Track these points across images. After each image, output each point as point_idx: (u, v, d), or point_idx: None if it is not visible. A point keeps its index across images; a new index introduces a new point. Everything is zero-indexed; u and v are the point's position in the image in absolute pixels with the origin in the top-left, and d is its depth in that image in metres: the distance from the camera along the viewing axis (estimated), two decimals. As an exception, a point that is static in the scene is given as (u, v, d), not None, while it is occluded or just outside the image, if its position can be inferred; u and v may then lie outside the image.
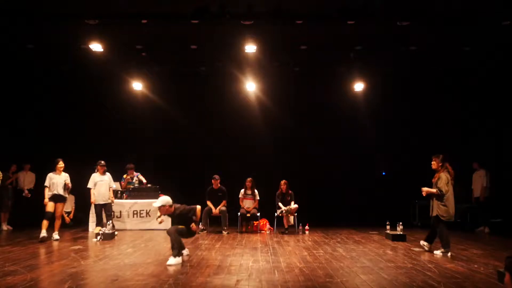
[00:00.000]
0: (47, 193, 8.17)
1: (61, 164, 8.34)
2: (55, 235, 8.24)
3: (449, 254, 6.62)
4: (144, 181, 10.37)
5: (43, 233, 8.00)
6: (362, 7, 7.63)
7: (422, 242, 7.15)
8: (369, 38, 9.03)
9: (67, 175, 8.45)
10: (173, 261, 5.91)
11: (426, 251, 6.99)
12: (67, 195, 8.47)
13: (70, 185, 8.43)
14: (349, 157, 12.11)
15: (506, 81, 10.42)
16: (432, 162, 6.95)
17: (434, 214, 6.79)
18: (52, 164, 8.39)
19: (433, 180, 6.89)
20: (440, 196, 6.68)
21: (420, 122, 11.84)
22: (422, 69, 10.80)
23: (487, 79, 10.76)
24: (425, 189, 6.87)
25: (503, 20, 7.85)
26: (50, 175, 8.28)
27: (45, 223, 8.09)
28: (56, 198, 8.23)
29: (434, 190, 6.75)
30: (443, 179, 6.69)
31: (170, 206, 6.28)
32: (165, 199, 6.27)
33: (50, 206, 8.16)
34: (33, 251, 6.93)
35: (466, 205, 10.47)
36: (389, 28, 8.29)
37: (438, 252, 6.73)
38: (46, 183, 8.22)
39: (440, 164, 6.85)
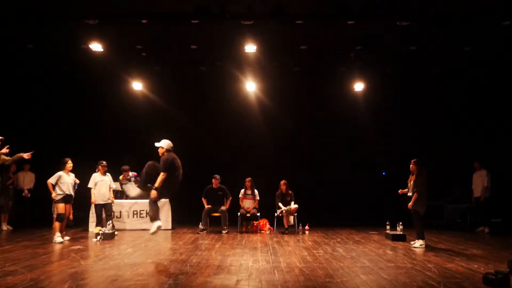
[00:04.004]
0: (59, 192, 8.00)
1: (70, 164, 8.23)
2: (59, 238, 8.21)
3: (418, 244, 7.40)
4: (138, 178, 10.41)
5: (59, 236, 7.91)
6: (362, 7, 7.63)
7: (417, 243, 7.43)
8: (369, 38, 9.03)
9: (73, 174, 8.36)
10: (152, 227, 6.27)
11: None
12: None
13: (77, 181, 8.41)
14: (349, 157, 12.12)
15: (506, 81, 10.42)
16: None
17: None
18: (58, 164, 8.25)
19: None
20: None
21: (420, 122, 11.84)
22: (422, 69, 10.80)
23: (487, 79, 10.76)
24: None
25: (503, 20, 7.85)
26: (62, 174, 8.10)
27: (58, 225, 7.97)
28: (68, 199, 8.13)
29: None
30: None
31: (168, 151, 6.51)
32: (166, 142, 6.57)
33: (62, 208, 8.01)
34: (33, 251, 6.92)
35: (466, 205, 10.47)
36: (389, 28, 8.29)
37: (414, 244, 7.44)
38: (53, 181, 8.00)
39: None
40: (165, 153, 6.50)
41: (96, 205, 8.98)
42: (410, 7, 7.64)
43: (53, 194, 8.02)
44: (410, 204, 7.48)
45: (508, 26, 7.94)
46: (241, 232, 9.50)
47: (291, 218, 9.50)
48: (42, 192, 10.21)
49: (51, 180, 8.05)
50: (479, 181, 9.78)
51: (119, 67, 10.53)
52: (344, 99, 11.58)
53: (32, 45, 9.26)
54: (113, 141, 11.66)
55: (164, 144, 6.55)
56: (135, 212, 9.97)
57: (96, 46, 8.64)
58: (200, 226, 9.43)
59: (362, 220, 10.84)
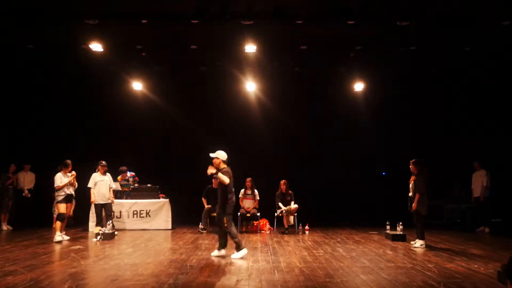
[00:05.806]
0: (61, 193, 8.13)
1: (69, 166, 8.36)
2: (59, 237, 8.23)
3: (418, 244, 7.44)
4: (136, 178, 10.47)
5: (60, 236, 8.00)
6: (362, 7, 7.63)
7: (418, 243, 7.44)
8: (369, 38, 9.03)
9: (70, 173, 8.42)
10: (215, 253, 6.46)
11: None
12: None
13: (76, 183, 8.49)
14: (349, 157, 12.11)
15: (506, 81, 10.41)
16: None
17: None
18: (58, 165, 8.28)
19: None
20: None
21: (420, 122, 11.84)
22: (422, 69, 10.79)
23: (487, 79, 10.75)
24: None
25: (503, 20, 7.85)
26: (61, 175, 8.19)
27: (59, 225, 8.06)
28: (69, 199, 8.26)
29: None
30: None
31: (224, 162, 6.48)
32: (221, 153, 6.51)
33: (63, 208, 8.12)
34: (33, 251, 6.93)
35: (466, 205, 10.46)
36: (389, 28, 8.29)
37: (414, 244, 7.47)
38: (59, 183, 8.13)
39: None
40: (221, 165, 6.44)
41: (96, 205, 8.97)
42: (410, 7, 7.64)
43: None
44: (414, 205, 7.43)
45: (508, 26, 7.94)
46: (241, 232, 9.49)
47: (291, 218, 9.50)
48: (42, 192, 10.25)
49: (58, 183, 8.14)
50: (479, 181, 9.78)
51: (119, 67, 10.53)
52: (344, 99, 11.57)
53: (32, 45, 9.25)
54: (113, 141, 11.66)
55: (220, 155, 6.49)
56: (135, 212, 9.96)
57: (96, 46, 8.63)
58: (200, 226, 9.43)
59: (362, 220, 10.83)
